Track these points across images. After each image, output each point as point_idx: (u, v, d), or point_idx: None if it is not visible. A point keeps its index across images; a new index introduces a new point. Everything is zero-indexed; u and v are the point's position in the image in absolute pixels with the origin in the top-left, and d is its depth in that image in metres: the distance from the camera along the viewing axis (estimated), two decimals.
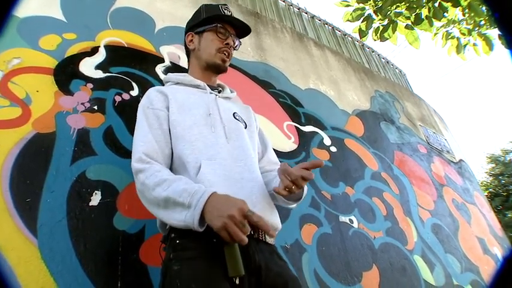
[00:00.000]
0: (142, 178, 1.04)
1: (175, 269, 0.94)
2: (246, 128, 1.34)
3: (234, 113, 1.34)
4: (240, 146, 1.22)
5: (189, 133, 1.16)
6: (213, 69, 1.39)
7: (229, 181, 1.08)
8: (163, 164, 1.12)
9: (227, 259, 0.91)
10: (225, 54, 1.36)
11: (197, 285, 0.89)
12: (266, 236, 1.10)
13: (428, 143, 3.70)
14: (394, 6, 2.77)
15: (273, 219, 1.14)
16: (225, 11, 1.38)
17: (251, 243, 1.02)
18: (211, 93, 1.34)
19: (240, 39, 1.47)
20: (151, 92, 1.28)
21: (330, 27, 4.72)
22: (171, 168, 1.16)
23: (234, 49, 1.44)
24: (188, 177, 1.06)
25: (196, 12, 1.48)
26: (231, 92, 1.49)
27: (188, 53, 1.48)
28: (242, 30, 1.44)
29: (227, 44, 1.36)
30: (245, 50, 2.59)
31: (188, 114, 1.22)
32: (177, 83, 1.38)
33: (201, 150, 1.13)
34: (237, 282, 0.93)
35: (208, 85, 1.37)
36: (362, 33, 2.95)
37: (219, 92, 1.41)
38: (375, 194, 2.51)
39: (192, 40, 1.43)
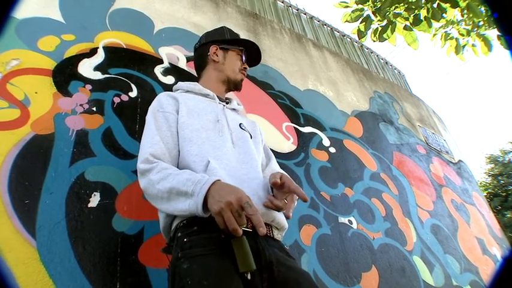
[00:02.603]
0: (149, 175, 1.06)
1: (185, 267, 0.92)
2: (251, 138, 1.37)
3: (240, 124, 1.38)
4: (245, 152, 1.25)
5: (197, 136, 1.19)
6: (232, 84, 1.49)
7: (234, 179, 1.09)
8: (171, 164, 1.14)
9: (236, 254, 0.91)
10: (244, 74, 1.50)
11: (209, 282, 0.87)
12: (274, 232, 1.11)
13: (427, 143, 3.71)
14: (393, 7, 2.77)
15: (279, 217, 1.14)
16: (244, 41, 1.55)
17: (260, 238, 1.02)
18: (219, 103, 1.38)
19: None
20: (162, 96, 1.31)
21: (329, 28, 4.72)
22: None
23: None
24: None
25: (218, 29, 1.58)
26: (238, 105, 1.54)
27: (203, 62, 1.51)
28: (254, 60, 1.59)
29: (245, 68, 1.51)
30: None
31: (197, 118, 1.25)
32: (187, 91, 1.42)
33: (208, 150, 1.15)
34: (249, 277, 0.92)
35: (217, 96, 1.42)
36: (361, 34, 2.96)
37: (227, 103, 1.45)
38: (374, 195, 2.52)
39: (216, 53, 1.49)
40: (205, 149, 1.16)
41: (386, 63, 5.39)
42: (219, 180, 0.97)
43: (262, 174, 1.27)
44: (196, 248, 0.96)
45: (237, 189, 0.94)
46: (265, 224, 1.09)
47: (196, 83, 1.47)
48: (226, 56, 1.49)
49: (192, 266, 0.92)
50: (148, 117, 1.25)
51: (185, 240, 0.99)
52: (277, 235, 1.13)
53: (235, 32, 1.57)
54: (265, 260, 0.98)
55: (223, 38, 1.52)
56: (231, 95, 1.57)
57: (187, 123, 1.21)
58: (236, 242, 0.92)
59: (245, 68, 1.51)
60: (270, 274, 0.98)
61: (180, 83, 1.49)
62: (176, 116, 1.24)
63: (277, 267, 0.99)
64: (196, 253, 0.95)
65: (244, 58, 1.52)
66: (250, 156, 1.24)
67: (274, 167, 1.45)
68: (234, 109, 1.47)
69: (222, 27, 1.60)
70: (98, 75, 1.72)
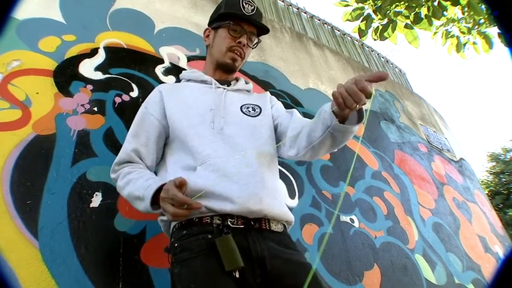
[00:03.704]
0: (116, 182, 1.18)
1: (176, 272, 0.95)
2: (259, 115, 1.28)
3: (242, 106, 1.28)
4: (239, 138, 1.16)
5: (186, 137, 1.15)
6: (222, 67, 1.35)
7: (223, 178, 1.04)
8: (144, 164, 1.20)
9: (221, 253, 0.91)
10: (236, 53, 1.31)
11: (196, 285, 0.89)
12: (271, 224, 1.06)
13: (428, 141, 3.70)
14: (394, 5, 2.77)
15: (271, 210, 1.06)
16: (246, 6, 1.30)
17: (251, 233, 1.00)
18: (218, 87, 1.30)
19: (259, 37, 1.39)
20: (154, 91, 1.32)
21: (329, 27, 4.72)
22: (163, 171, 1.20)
23: (252, 48, 1.38)
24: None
25: (217, 5, 1.42)
26: (246, 83, 1.43)
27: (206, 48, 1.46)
28: (260, 27, 1.35)
29: (239, 42, 1.30)
30: None
31: (187, 113, 1.21)
32: (189, 80, 1.39)
33: (196, 150, 1.11)
34: (237, 275, 0.91)
35: (218, 80, 1.34)
36: (361, 33, 2.95)
37: (229, 85, 1.36)
38: (375, 194, 2.51)
39: (208, 35, 1.42)
40: (194, 148, 1.11)
41: (387, 61, 5.38)
42: (164, 184, 1.00)
43: (299, 133, 1.17)
44: (185, 252, 0.97)
45: (168, 185, 0.96)
46: (260, 218, 1.04)
47: (197, 70, 1.41)
48: (215, 36, 1.35)
49: (182, 270, 0.94)
50: (137, 114, 1.28)
51: (176, 245, 1.01)
52: (276, 226, 1.07)
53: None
54: (257, 256, 0.96)
55: (215, 16, 1.37)
56: (240, 74, 1.46)
57: (177, 121, 1.19)
58: (220, 241, 0.93)
59: (239, 43, 1.30)
60: (263, 269, 0.96)
61: (183, 72, 1.44)
62: (155, 117, 1.22)
63: (270, 261, 0.97)
64: (185, 257, 0.96)
65: (244, 31, 1.31)
66: (245, 144, 1.15)
67: (297, 119, 1.25)
68: (239, 89, 1.37)
69: (221, 0, 1.40)
70: (99, 76, 1.72)
